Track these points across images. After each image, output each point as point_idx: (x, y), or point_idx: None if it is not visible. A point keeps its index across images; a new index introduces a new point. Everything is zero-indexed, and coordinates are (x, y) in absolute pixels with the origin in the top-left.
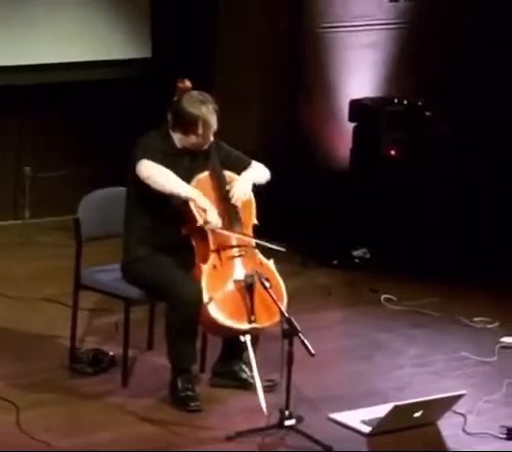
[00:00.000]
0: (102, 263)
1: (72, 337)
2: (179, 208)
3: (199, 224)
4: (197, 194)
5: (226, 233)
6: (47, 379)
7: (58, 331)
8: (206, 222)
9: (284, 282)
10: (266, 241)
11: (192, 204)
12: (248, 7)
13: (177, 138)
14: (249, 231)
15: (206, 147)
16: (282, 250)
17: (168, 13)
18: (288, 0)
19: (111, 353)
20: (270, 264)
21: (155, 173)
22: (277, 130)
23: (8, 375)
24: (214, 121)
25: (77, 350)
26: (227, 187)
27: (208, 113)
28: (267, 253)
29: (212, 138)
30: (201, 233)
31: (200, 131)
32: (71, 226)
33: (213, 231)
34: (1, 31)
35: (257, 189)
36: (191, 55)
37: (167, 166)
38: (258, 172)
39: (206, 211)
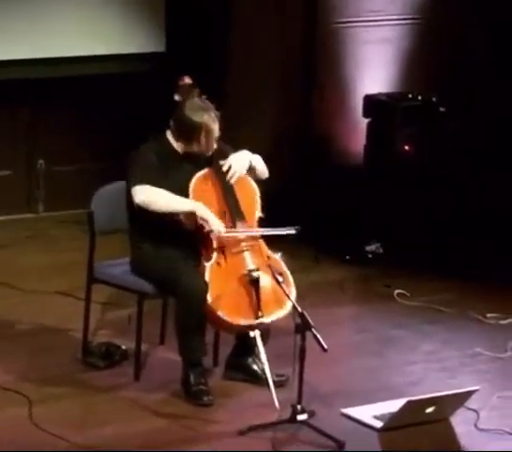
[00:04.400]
0: (115, 256)
1: (85, 331)
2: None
3: (205, 232)
4: (195, 206)
5: (232, 235)
6: (59, 372)
7: (71, 325)
8: (210, 231)
9: (297, 277)
10: (274, 230)
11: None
12: (263, 2)
13: (179, 145)
14: (254, 223)
15: (209, 154)
16: (292, 232)
17: (183, 8)
18: None
19: (123, 347)
20: (278, 257)
21: (151, 200)
22: (291, 126)
23: (20, 368)
24: (216, 129)
25: (90, 344)
26: (221, 162)
27: (210, 120)
28: (278, 247)
29: (215, 146)
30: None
31: (203, 140)
32: (84, 219)
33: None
34: (15, 25)
35: (266, 186)
36: (205, 49)
37: (168, 171)
38: (258, 159)
39: (208, 221)
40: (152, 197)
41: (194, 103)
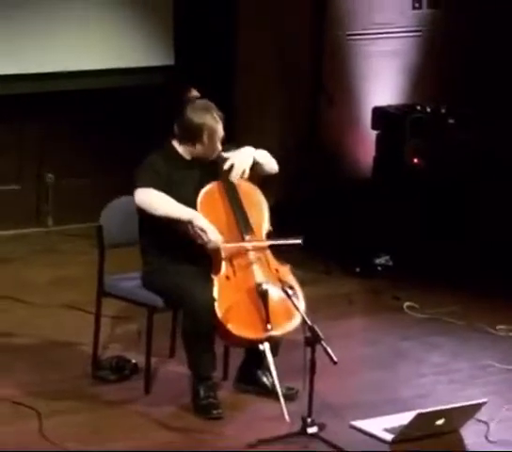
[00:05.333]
0: (124, 270)
1: (95, 344)
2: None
3: (200, 243)
4: (194, 215)
5: (232, 245)
6: (70, 386)
7: (81, 339)
8: (208, 242)
9: (307, 289)
10: (279, 239)
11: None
12: (271, 14)
13: (185, 150)
14: (262, 236)
15: (215, 156)
16: (298, 241)
17: (191, 21)
18: (311, 8)
19: (134, 360)
20: (286, 269)
21: (150, 201)
22: (299, 138)
23: (30, 382)
24: (219, 129)
25: (100, 358)
26: (224, 154)
27: (213, 121)
28: (287, 260)
29: (219, 147)
30: None
31: (206, 140)
32: (93, 233)
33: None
34: (23, 39)
35: (278, 200)
36: (213, 62)
37: (176, 179)
38: (263, 154)
39: (205, 231)
40: (152, 199)
41: (195, 104)
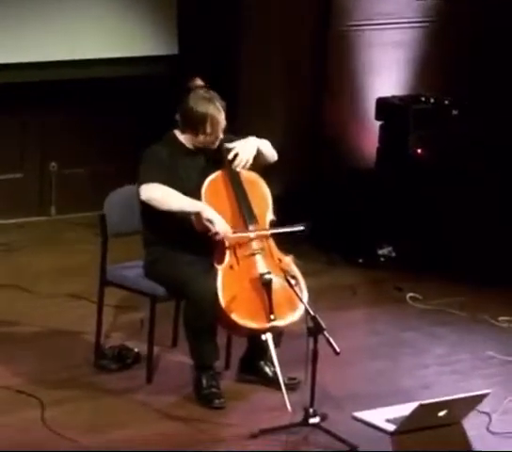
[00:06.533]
0: (127, 259)
1: (98, 333)
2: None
3: (210, 234)
4: (202, 207)
5: (239, 235)
6: (72, 375)
7: (84, 328)
8: (216, 233)
9: (309, 280)
10: (283, 228)
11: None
12: (275, 4)
13: (187, 139)
14: (266, 225)
15: (217, 145)
16: (301, 229)
17: (195, 10)
18: None
19: (136, 350)
20: (288, 260)
21: (159, 198)
22: (303, 128)
23: (33, 371)
24: (222, 119)
25: (102, 347)
26: (227, 145)
27: (215, 110)
28: (290, 250)
29: (221, 136)
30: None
31: (209, 129)
32: (96, 222)
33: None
34: (26, 27)
35: (282, 190)
36: (217, 51)
37: (179, 168)
38: (266, 143)
39: (214, 222)
40: (160, 196)
41: (198, 94)
